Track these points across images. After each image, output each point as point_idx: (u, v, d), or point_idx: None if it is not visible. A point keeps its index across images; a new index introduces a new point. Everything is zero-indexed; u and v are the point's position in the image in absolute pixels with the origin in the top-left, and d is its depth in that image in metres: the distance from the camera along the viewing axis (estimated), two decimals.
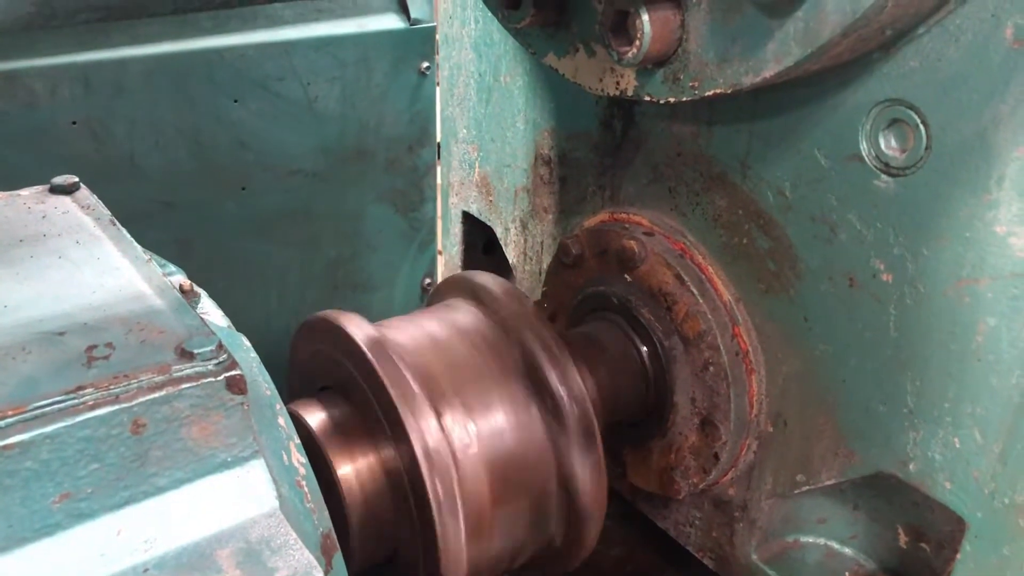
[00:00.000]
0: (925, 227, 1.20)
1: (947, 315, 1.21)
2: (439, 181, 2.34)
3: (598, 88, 1.36)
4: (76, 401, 0.82)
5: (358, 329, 1.37)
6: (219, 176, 2.17)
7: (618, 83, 1.33)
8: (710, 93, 1.21)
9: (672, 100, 1.26)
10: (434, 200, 2.46)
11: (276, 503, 0.91)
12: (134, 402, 0.84)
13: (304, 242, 2.36)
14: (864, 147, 1.24)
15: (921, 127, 1.17)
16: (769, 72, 1.14)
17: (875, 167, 1.24)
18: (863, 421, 1.35)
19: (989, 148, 1.12)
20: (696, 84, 1.22)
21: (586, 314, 1.68)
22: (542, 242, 1.90)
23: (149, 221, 2.11)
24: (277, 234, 2.31)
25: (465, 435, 1.36)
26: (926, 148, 1.18)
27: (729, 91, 1.19)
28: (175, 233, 2.17)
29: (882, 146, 1.22)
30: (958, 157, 1.15)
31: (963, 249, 1.17)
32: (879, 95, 1.21)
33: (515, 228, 1.96)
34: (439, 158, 2.32)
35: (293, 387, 1.53)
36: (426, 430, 1.29)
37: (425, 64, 2.32)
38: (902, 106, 1.19)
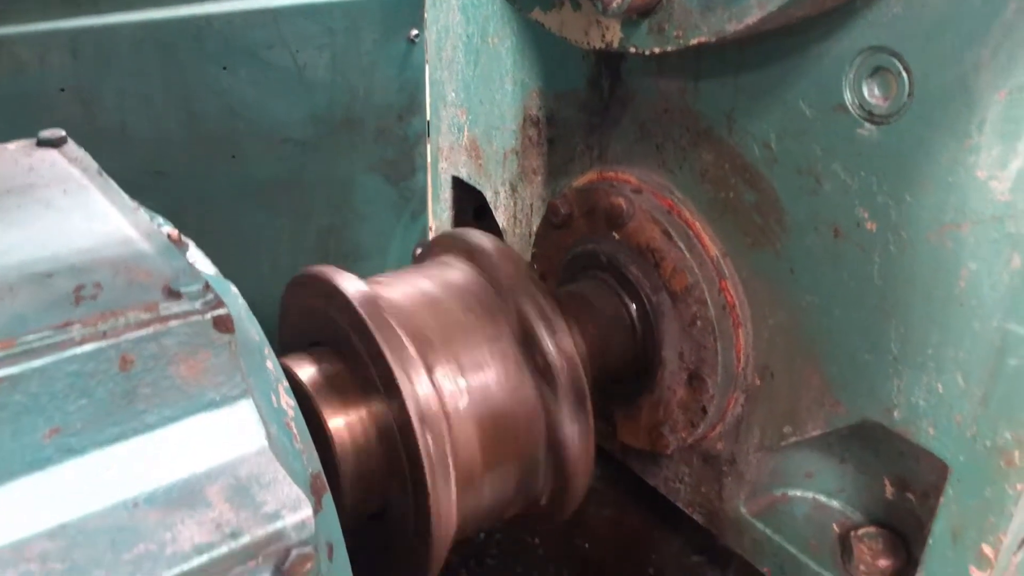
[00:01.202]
0: (908, 174, 1.21)
1: (930, 261, 1.22)
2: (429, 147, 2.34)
3: (584, 41, 1.36)
4: (64, 337, 0.83)
5: (351, 286, 1.38)
6: (210, 144, 2.18)
7: (604, 35, 1.33)
8: (694, 42, 1.21)
9: (657, 51, 1.27)
10: (425, 170, 2.47)
11: (265, 442, 0.92)
12: (121, 338, 0.84)
13: (295, 211, 2.37)
14: (848, 96, 1.25)
15: (904, 74, 1.18)
16: (752, 18, 1.14)
17: (859, 116, 1.25)
18: (848, 370, 1.36)
19: (970, 93, 1.13)
20: (680, 34, 1.23)
21: (575, 273, 1.69)
22: (531, 204, 1.90)
23: (140, 190, 2.10)
24: (268, 203, 2.32)
25: (457, 393, 1.37)
26: (909, 95, 1.18)
27: (713, 39, 1.20)
28: (166, 202, 2.15)
29: (865, 94, 1.23)
30: (940, 103, 1.16)
31: (945, 194, 1.18)
32: (862, 43, 1.21)
33: (505, 191, 1.97)
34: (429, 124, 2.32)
35: (283, 342, 1.53)
36: (419, 388, 1.30)
37: (414, 32, 2.32)
38: (885, 53, 1.19)
